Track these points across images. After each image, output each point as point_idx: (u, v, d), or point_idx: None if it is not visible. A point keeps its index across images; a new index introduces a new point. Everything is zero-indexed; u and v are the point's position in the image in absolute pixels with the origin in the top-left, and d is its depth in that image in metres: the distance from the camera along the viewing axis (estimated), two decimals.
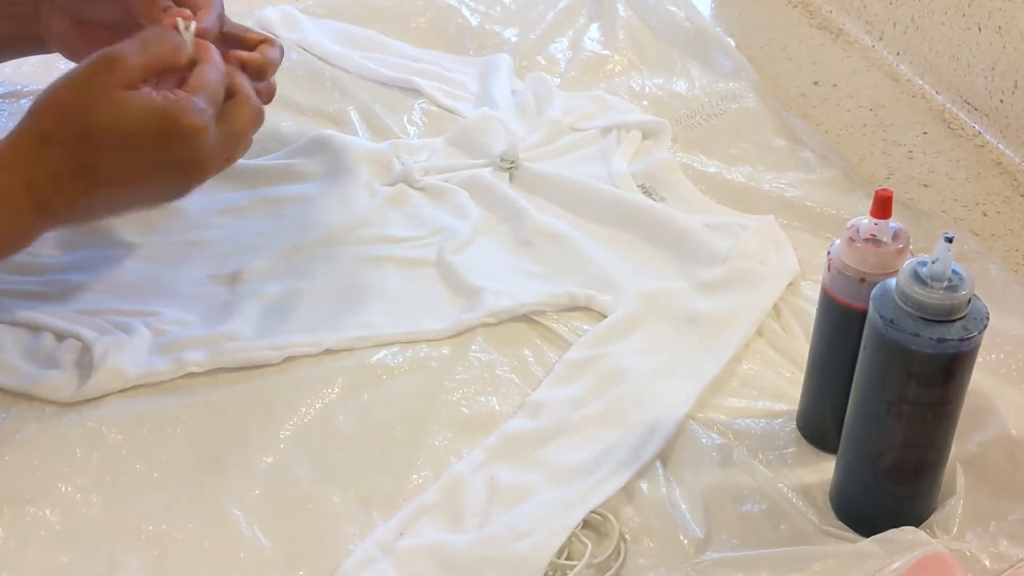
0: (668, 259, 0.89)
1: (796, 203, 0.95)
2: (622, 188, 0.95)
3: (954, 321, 0.61)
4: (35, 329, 0.79)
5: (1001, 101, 1.03)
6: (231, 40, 0.80)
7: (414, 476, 0.72)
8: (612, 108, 1.06)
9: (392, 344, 0.81)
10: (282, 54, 0.82)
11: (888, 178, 1.01)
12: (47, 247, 0.86)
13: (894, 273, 0.63)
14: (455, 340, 0.82)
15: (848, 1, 1.22)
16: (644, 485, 0.71)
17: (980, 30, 1.04)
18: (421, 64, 1.12)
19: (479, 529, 0.67)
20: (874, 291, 0.63)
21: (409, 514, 0.69)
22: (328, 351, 0.80)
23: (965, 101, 1.07)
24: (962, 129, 1.07)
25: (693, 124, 1.06)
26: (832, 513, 0.69)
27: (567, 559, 0.66)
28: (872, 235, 0.67)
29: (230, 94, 0.73)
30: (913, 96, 1.12)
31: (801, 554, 0.65)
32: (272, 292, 0.84)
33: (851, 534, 0.67)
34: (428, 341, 0.81)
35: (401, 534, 0.68)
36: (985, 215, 0.96)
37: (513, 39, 1.17)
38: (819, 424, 0.74)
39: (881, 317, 0.62)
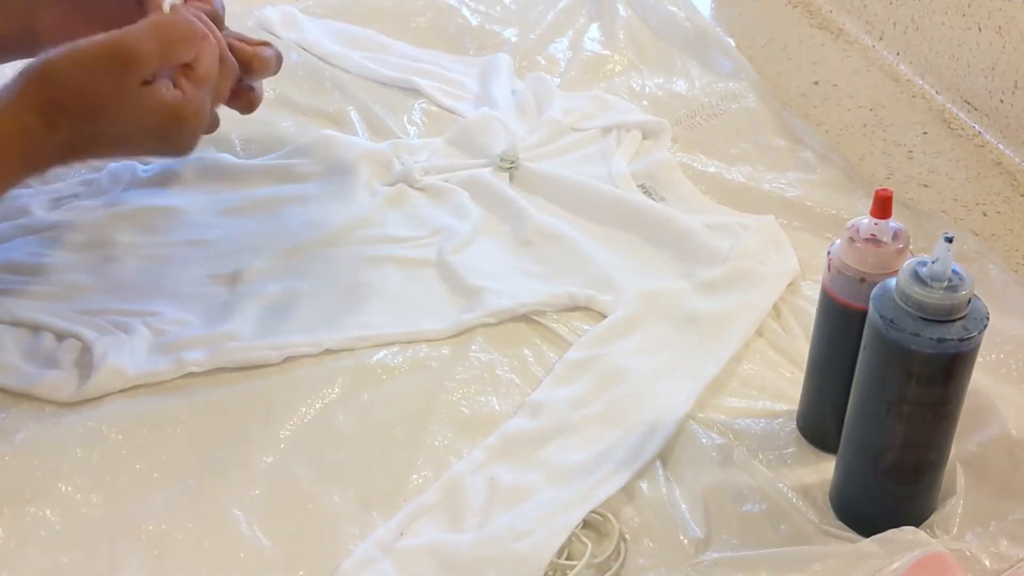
0: (668, 259, 0.89)
1: (796, 203, 0.95)
2: (622, 188, 0.95)
3: (954, 321, 0.61)
4: (35, 329, 0.79)
5: (1001, 101, 1.03)
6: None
7: (414, 476, 0.72)
8: (612, 108, 1.06)
9: (392, 344, 0.81)
10: (279, 59, 0.82)
11: (888, 178, 1.01)
12: (47, 247, 0.86)
13: (894, 273, 0.63)
14: (455, 340, 0.82)
15: (848, 1, 1.22)
16: (644, 485, 0.71)
17: (980, 30, 1.04)
18: (421, 64, 1.12)
19: (479, 529, 0.67)
20: (874, 291, 0.63)
21: (409, 514, 0.69)
22: (328, 351, 0.80)
23: (965, 101, 1.07)
24: (962, 129, 1.07)
25: (693, 124, 1.06)
26: (832, 513, 0.69)
27: (567, 559, 0.66)
28: (872, 235, 0.67)
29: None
30: (913, 96, 1.12)
31: (801, 554, 0.65)
32: (272, 292, 0.84)
33: (851, 534, 0.67)
34: (428, 341, 0.81)
35: (401, 534, 0.68)
36: (985, 215, 0.96)
37: (513, 39, 1.17)
38: (819, 424, 0.74)
39: (881, 317, 0.62)
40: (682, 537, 0.68)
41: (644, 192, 0.95)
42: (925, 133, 1.07)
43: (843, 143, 1.05)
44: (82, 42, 0.69)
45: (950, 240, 0.60)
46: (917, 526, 0.66)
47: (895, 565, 0.62)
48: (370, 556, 0.66)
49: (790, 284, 0.86)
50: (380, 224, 0.91)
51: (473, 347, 0.81)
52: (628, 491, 0.71)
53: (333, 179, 0.95)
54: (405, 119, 1.05)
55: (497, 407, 0.77)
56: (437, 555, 0.66)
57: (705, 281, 0.86)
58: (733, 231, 0.90)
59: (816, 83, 1.14)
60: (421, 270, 0.88)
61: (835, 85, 1.14)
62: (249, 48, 0.79)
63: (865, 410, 0.65)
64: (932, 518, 0.67)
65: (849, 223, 0.68)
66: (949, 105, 1.09)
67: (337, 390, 0.77)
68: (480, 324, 0.82)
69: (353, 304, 0.84)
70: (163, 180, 0.94)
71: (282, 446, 0.73)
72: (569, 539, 0.67)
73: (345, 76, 1.09)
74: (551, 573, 0.65)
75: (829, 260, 0.69)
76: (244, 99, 0.81)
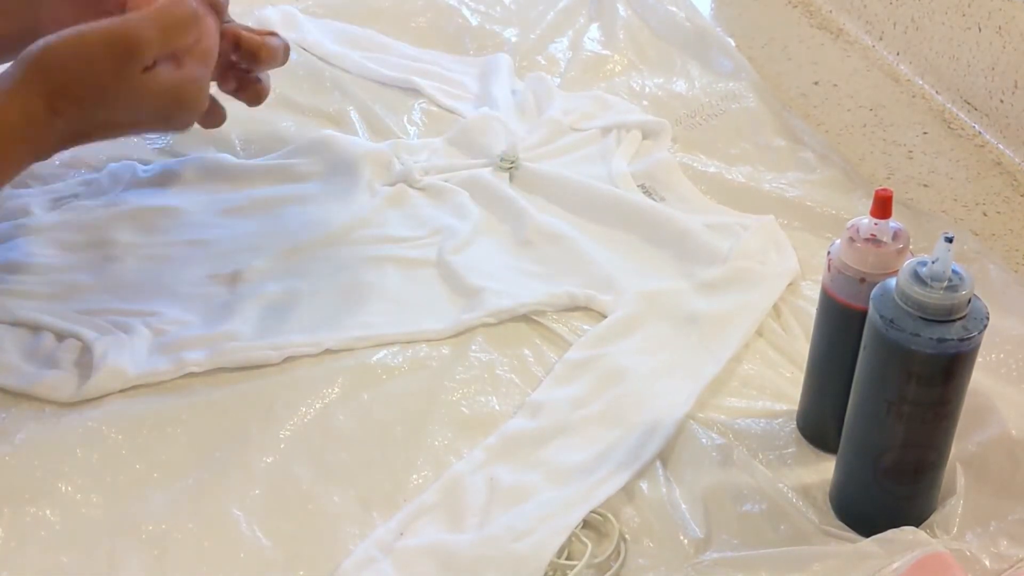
0: (668, 259, 0.89)
1: (796, 203, 0.95)
2: (622, 188, 0.95)
3: (954, 321, 0.61)
4: (35, 329, 0.79)
5: (1001, 101, 1.03)
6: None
7: (414, 476, 0.72)
8: (612, 108, 1.06)
9: (392, 344, 0.81)
10: (287, 49, 0.82)
11: (888, 178, 1.01)
12: (47, 247, 0.86)
13: (894, 273, 0.63)
14: (455, 340, 0.82)
15: (848, 1, 1.22)
16: (644, 485, 0.71)
17: (980, 30, 1.04)
18: (421, 64, 1.12)
19: (479, 529, 0.67)
20: (874, 291, 0.63)
21: (409, 514, 0.69)
22: (328, 351, 0.80)
23: (965, 101, 1.07)
24: (962, 129, 1.07)
25: (693, 124, 1.06)
26: (832, 513, 0.69)
27: (567, 559, 0.66)
28: (872, 235, 0.67)
29: None
30: (913, 96, 1.12)
31: (801, 554, 0.65)
32: (272, 292, 0.84)
33: (851, 534, 0.67)
34: (428, 341, 0.81)
35: (401, 534, 0.68)
36: (985, 215, 0.96)
37: (513, 39, 1.17)
38: (819, 424, 0.74)
39: (881, 317, 0.62)
40: (682, 537, 0.68)
41: (644, 192, 0.95)
42: (925, 133, 1.07)
43: (843, 143, 1.05)
44: (83, 27, 0.70)
45: (950, 240, 0.60)
46: (917, 526, 0.66)
47: (895, 565, 0.62)
48: (370, 556, 0.66)
49: (790, 284, 0.86)
50: (380, 224, 0.91)
51: (473, 347, 0.81)
52: (628, 491, 0.71)
53: (333, 179, 0.95)
54: (405, 119, 1.05)
55: (497, 407, 0.77)
56: (437, 555, 0.66)
57: (705, 281, 0.86)
58: (733, 231, 0.90)
59: (816, 83, 1.14)
60: (421, 270, 0.88)
61: (835, 85, 1.14)
62: (257, 38, 0.79)
63: (865, 410, 0.65)
64: (932, 518, 0.67)
65: (849, 223, 0.68)
66: (949, 105, 1.09)
67: (337, 390, 0.77)
68: (480, 324, 0.82)
69: (353, 304, 0.84)
70: (163, 180, 0.94)
71: (282, 446, 0.73)
72: (569, 539, 0.67)
73: (345, 76, 1.09)
74: (551, 573, 0.65)
75: (829, 260, 0.69)
76: (252, 90, 0.81)
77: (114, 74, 0.69)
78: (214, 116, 0.81)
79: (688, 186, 0.97)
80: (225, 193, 0.93)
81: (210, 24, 0.74)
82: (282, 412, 0.75)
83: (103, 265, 0.85)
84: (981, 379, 0.73)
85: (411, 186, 0.95)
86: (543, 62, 1.15)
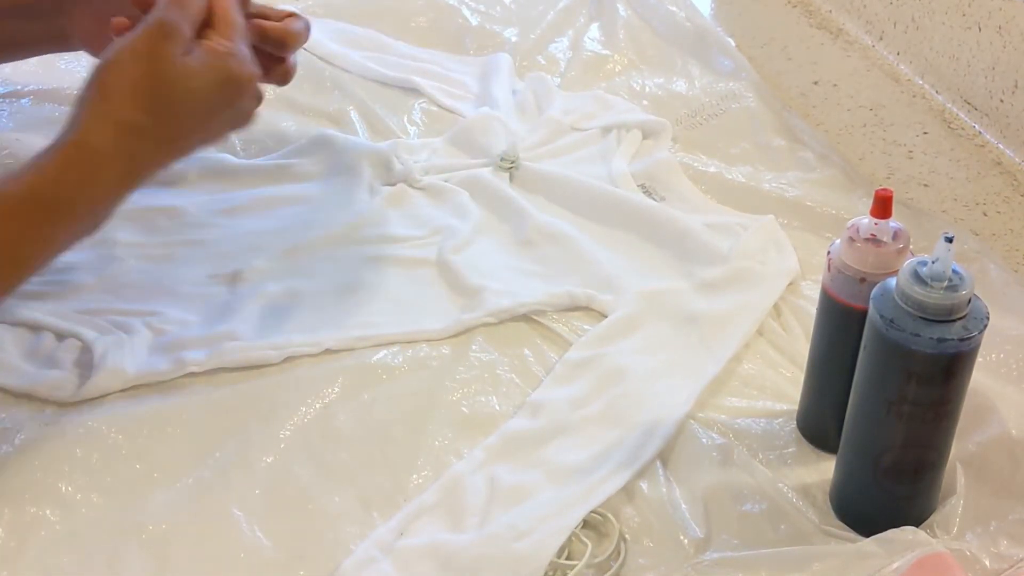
0: (668, 259, 0.89)
1: (796, 203, 0.95)
2: (622, 188, 0.95)
3: (954, 321, 0.61)
4: (35, 329, 0.79)
5: (1001, 101, 1.03)
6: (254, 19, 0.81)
7: (414, 476, 0.72)
8: (612, 108, 1.06)
9: (392, 344, 0.81)
10: (308, 27, 0.82)
11: (888, 178, 1.01)
12: None
13: (894, 273, 0.63)
14: (455, 340, 0.82)
15: (848, 1, 1.22)
16: (644, 485, 0.71)
17: (980, 30, 1.04)
18: (421, 64, 1.12)
19: (479, 529, 0.67)
20: (874, 291, 0.63)
21: (409, 514, 0.69)
22: (328, 351, 0.80)
23: (965, 101, 1.07)
24: (962, 129, 1.07)
25: (693, 124, 1.06)
26: (832, 513, 0.69)
27: (567, 559, 0.66)
28: (872, 235, 0.67)
29: None
30: (913, 96, 1.12)
31: (801, 554, 0.65)
32: (272, 292, 0.84)
33: (851, 534, 0.67)
34: (428, 341, 0.81)
35: (401, 534, 0.68)
36: (985, 215, 0.96)
37: (513, 39, 1.17)
38: (819, 424, 0.74)
39: (881, 317, 0.62)
40: (682, 537, 0.68)
41: (644, 192, 0.95)
42: (925, 133, 1.07)
43: (843, 143, 1.05)
44: (122, 39, 0.70)
45: (950, 240, 0.60)
46: (917, 526, 0.66)
47: (895, 565, 0.62)
48: (370, 556, 0.66)
49: (790, 284, 0.86)
50: (380, 224, 0.91)
51: (473, 347, 0.81)
52: (628, 491, 0.71)
53: (333, 179, 0.95)
54: (405, 119, 1.05)
55: (497, 407, 0.77)
56: (437, 555, 0.66)
57: (705, 281, 0.86)
58: (733, 231, 0.90)
59: (816, 83, 1.14)
60: (421, 270, 0.88)
61: (835, 85, 1.14)
62: (279, 26, 0.79)
63: (865, 410, 0.65)
64: (932, 518, 0.67)
65: (849, 223, 0.68)
66: (949, 105, 1.09)
67: (337, 390, 0.77)
68: (480, 324, 0.82)
69: (353, 304, 0.84)
70: (163, 180, 0.94)
71: (282, 446, 0.73)
72: (569, 539, 0.67)
73: (345, 76, 1.09)
74: (551, 573, 0.65)
75: (829, 260, 0.69)
76: (278, 72, 0.81)
77: (163, 62, 0.69)
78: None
79: (688, 186, 0.97)
80: (225, 193, 0.93)
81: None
82: (282, 412, 0.75)
83: (103, 265, 0.85)
84: (981, 379, 0.73)
85: (411, 186, 0.95)
86: (543, 62, 1.15)
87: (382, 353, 0.80)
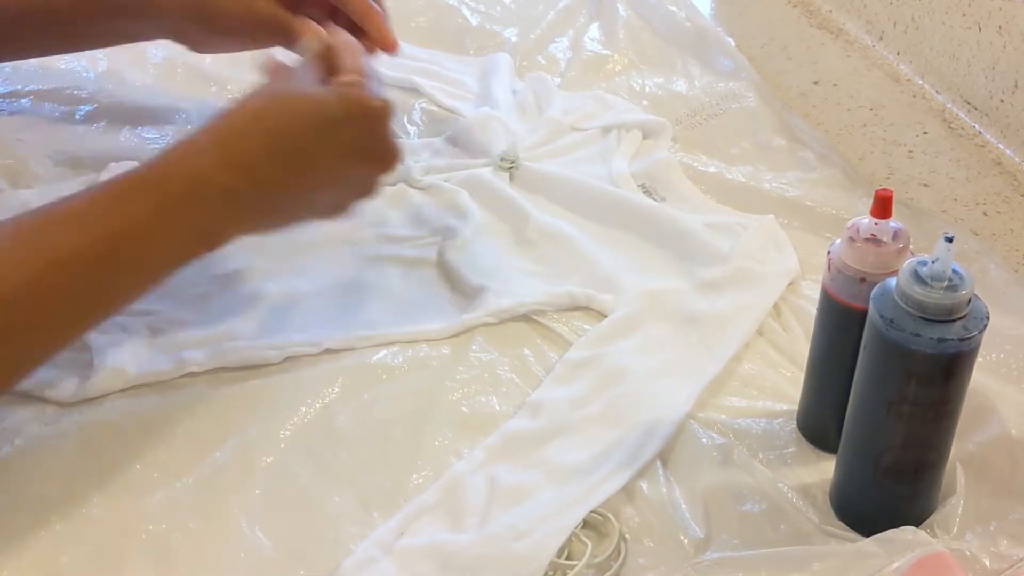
0: (668, 259, 0.89)
1: (796, 203, 0.95)
2: (622, 188, 0.95)
3: (954, 321, 0.61)
4: None
5: (1001, 101, 1.03)
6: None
7: (414, 476, 0.72)
8: (612, 108, 1.06)
9: (392, 344, 0.81)
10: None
11: (888, 178, 1.01)
12: None
13: (894, 273, 0.63)
14: (455, 340, 0.82)
15: (848, 1, 1.22)
16: (644, 485, 0.71)
17: (980, 30, 1.04)
18: (421, 64, 1.12)
19: (479, 529, 0.67)
20: (874, 291, 0.63)
21: (409, 514, 0.69)
22: (328, 351, 0.80)
23: (965, 101, 1.07)
24: (962, 129, 1.07)
25: (693, 124, 1.06)
26: (832, 513, 0.69)
27: (567, 559, 0.66)
28: (872, 235, 0.67)
29: None
30: (913, 96, 1.12)
31: (801, 554, 0.65)
32: (272, 292, 0.84)
33: (851, 534, 0.67)
34: (428, 341, 0.81)
35: (401, 534, 0.68)
36: (985, 215, 0.96)
37: (513, 39, 1.17)
38: (819, 424, 0.74)
39: (881, 317, 0.62)
40: (682, 537, 0.68)
41: (644, 192, 0.95)
42: (925, 133, 1.07)
43: (843, 143, 1.05)
44: (264, 98, 0.71)
45: (950, 240, 0.60)
46: (917, 526, 0.66)
47: (895, 565, 0.62)
48: (370, 556, 0.66)
49: (790, 284, 0.86)
50: (380, 224, 0.91)
51: (473, 347, 0.81)
52: (628, 491, 0.71)
53: None
54: (405, 119, 1.05)
55: (497, 407, 0.77)
56: (437, 555, 0.66)
57: (705, 281, 0.86)
58: (733, 231, 0.90)
59: (816, 83, 1.14)
60: (421, 270, 0.88)
61: (835, 85, 1.14)
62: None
63: (865, 410, 0.65)
64: (932, 518, 0.67)
65: (849, 223, 0.68)
66: (949, 105, 1.09)
67: (337, 390, 0.77)
68: (480, 324, 0.82)
69: (353, 304, 0.84)
70: None
71: (282, 446, 0.73)
72: (569, 539, 0.67)
73: None
74: (551, 573, 0.65)
75: (829, 260, 0.69)
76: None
77: (281, 113, 0.69)
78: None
79: (688, 186, 0.97)
80: None
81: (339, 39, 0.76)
82: (282, 412, 0.75)
83: None
84: (981, 379, 0.73)
85: (411, 186, 0.95)
86: (543, 62, 1.15)
87: (382, 353, 0.80)
